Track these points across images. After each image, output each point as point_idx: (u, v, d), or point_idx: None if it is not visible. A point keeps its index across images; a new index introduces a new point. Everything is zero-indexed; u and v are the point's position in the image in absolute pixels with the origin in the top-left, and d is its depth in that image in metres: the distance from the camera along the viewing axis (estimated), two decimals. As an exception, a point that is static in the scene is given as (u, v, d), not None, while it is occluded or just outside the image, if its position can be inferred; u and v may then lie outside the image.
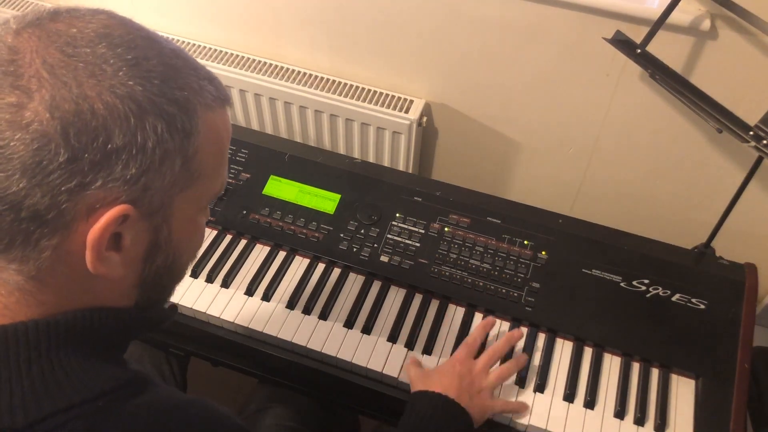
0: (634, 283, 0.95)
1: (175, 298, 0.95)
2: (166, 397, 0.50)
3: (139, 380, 0.49)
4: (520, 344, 0.92)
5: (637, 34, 1.00)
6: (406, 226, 1.02)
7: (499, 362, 0.88)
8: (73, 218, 0.42)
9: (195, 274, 0.99)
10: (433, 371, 0.84)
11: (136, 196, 0.44)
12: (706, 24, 1.03)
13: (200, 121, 0.46)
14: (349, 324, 0.94)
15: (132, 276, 0.50)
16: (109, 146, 0.41)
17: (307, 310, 0.95)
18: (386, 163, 1.45)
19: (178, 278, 0.56)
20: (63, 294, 0.46)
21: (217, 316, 0.94)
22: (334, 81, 1.41)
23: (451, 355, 0.88)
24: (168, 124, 0.44)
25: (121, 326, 0.50)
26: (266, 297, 0.97)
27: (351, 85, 1.40)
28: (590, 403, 0.87)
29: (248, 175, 1.09)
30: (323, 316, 0.95)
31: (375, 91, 1.39)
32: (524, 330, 0.94)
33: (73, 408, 0.43)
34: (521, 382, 0.88)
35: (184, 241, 0.52)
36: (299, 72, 1.43)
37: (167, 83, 0.44)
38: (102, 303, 0.49)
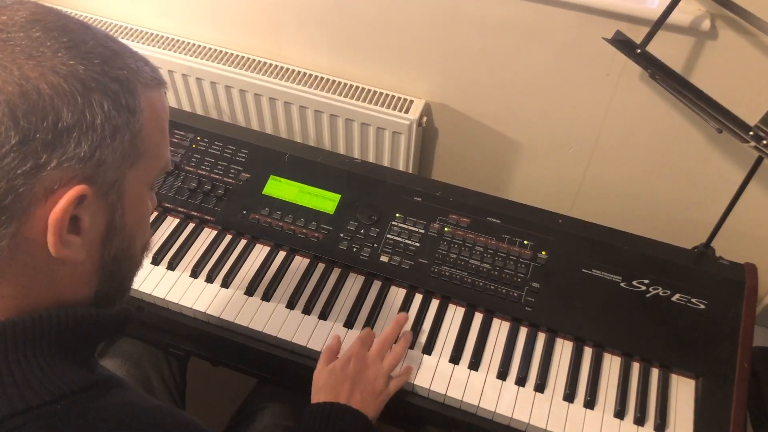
0: (634, 283, 0.95)
1: (175, 298, 0.95)
2: (130, 401, 0.50)
3: (105, 384, 0.49)
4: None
5: (637, 34, 1.00)
6: (406, 226, 1.02)
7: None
8: (31, 202, 0.42)
9: (195, 274, 0.99)
10: (328, 376, 0.83)
11: (91, 173, 0.44)
12: (706, 24, 1.03)
13: (142, 98, 0.48)
14: (349, 324, 0.94)
15: (92, 261, 0.49)
16: (60, 125, 0.42)
17: (307, 310, 0.95)
18: (386, 163, 1.45)
19: (135, 266, 0.56)
20: (23, 284, 0.46)
21: (217, 316, 0.94)
22: (333, 81, 1.41)
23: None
24: (113, 101, 0.45)
25: (85, 327, 0.50)
26: (266, 297, 0.96)
27: (351, 85, 1.40)
28: (590, 403, 0.87)
29: (248, 175, 1.09)
30: (323, 316, 0.95)
31: (375, 91, 1.39)
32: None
33: (30, 410, 0.42)
34: (521, 382, 0.88)
35: (136, 222, 0.52)
36: (299, 72, 1.43)
37: (107, 63, 0.45)
38: (63, 293, 0.49)
